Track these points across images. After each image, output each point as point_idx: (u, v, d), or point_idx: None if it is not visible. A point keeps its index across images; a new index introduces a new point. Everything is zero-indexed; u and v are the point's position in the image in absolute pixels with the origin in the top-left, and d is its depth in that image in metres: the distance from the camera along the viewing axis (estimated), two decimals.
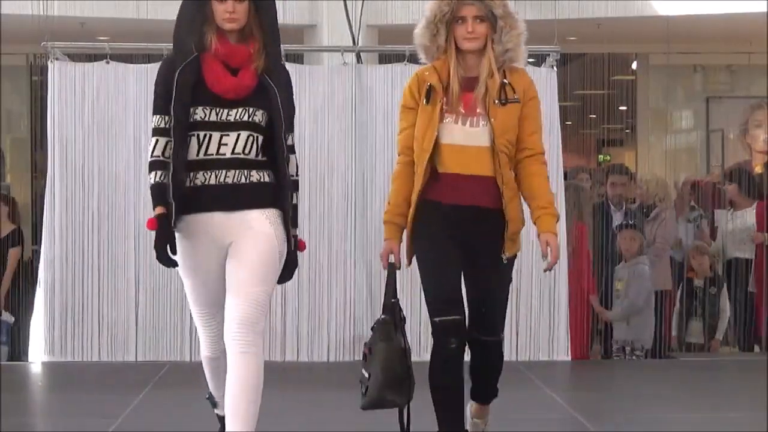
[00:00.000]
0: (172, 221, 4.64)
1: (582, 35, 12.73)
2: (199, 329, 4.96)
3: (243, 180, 4.70)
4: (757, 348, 10.63)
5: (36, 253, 9.92)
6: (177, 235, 4.71)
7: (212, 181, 4.69)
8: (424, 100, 4.94)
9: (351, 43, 10.11)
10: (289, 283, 9.32)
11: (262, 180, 4.74)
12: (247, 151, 4.70)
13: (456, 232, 4.91)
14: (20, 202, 11.42)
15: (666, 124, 14.17)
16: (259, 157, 4.74)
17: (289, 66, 9.64)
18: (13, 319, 10.20)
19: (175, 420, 6.49)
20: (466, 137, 4.89)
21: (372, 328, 5.15)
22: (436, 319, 4.90)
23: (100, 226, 9.13)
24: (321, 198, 9.36)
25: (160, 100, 4.67)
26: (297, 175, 4.93)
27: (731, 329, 10.61)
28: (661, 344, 9.76)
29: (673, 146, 14.20)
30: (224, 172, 4.69)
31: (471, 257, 4.94)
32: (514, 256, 5.00)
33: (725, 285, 10.48)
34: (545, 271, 5.01)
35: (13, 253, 10.39)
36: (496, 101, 4.88)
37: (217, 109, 4.67)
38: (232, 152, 4.68)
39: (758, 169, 12.27)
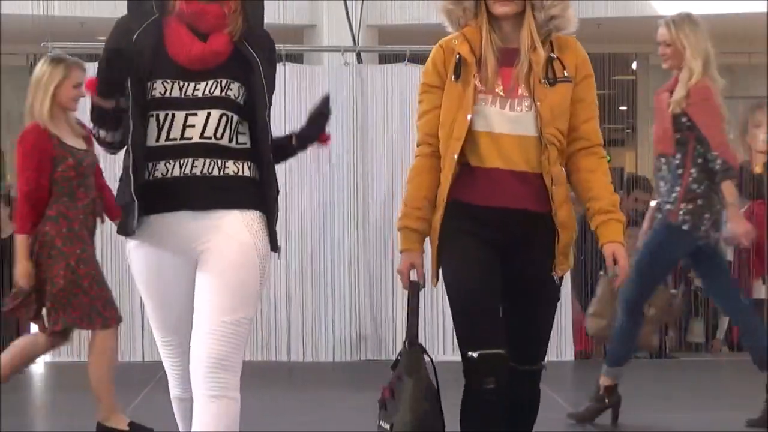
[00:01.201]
0: (133, 225, 3.66)
1: (582, 35, 12.74)
2: (164, 362, 3.89)
3: (215, 171, 3.66)
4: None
5: None
6: (133, 243, 3.74)
7: (176, 172, 3.65)
8: (453, 76, 3.90)
9: (351, 43, 10.11)
10: (293, 283, 9.48)
11: (240, 173, 3.70)
12: (219, 134, 3.66)
13: (494, 241, 3.90)
14: None
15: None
16: (235, 144, 3.71)
17: (289, 66, 9.73)
18: None
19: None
20: (507, 124, 3.86)
21: (393, 366, 4.13)
22: (471, 354, 3.88)
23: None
24: (322, 198, 9.36)
25: (110, 73, 3.61)
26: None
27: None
28: (661, 345, 9.77)
29: None
30: (191, 160, 3.65)
31: (513, 273, 3.93)
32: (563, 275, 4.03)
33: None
34: (616, 288, 4.27)
35: None
36: (543, 80, 3.86)
37: (181, 83, 3.65)
38: (201, 136, 3.64)
39: (758, 169, 12.27)
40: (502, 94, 3.87)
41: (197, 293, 3.66)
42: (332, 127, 10.03)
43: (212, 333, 3.58)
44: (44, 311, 6.01)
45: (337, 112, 9.33)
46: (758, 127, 13.48)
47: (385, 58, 10.67)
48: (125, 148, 3.68)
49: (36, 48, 9.89)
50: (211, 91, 3.66)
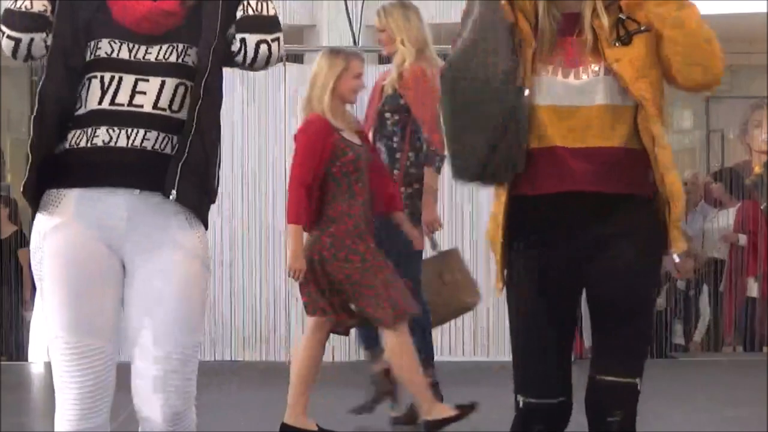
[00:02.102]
0: (33, 197, 3.15)
1: None
2: (60, 380, 3.19)
3: (168, 149, 3.12)
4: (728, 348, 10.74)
5: None
6: (51, 223, 3.14)
7: (121, 143, 3.10)
8: None
9: (351, 43, 10.10)
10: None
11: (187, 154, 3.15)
12: (176, 106, 3.15)
13: (569, 245, 3.26)
14: (20, 203, 11.43)
15: (666, 124, 14.18)
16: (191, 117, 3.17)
17: (289, 66, 9.72)
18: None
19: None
20: (575, 94, 3.26)
21: None
22: (521, 399, 3.32)
23: None
24: None
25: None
26: None
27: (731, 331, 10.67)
28: (661, 344, 9.80)
29: (673, 146, 14.19)
30: (141, 132, 3.12)
31: (598, 274, 3.29)
32: (658, 274, 3.50)
33: (705, 287, 10.56)
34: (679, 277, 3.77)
35: (23, 255, 10.42)
36: (614, 42, 3.26)
37: (131, 45, 3.17)
38: (155, 106, 3.13)
39: (757, 169, 12.29)
40: (564, 61, 3.30)
41: (134, 313, 3.12)
42: None
43: (161, 370, 3.08)
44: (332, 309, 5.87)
45: None
46: (758, 127, 13.51)
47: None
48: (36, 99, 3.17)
49: None
50: (166, 57, 3.18)
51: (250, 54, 3.22)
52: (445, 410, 5.80)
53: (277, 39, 3.23)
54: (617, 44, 3.25)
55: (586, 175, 3.22)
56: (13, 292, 10.43)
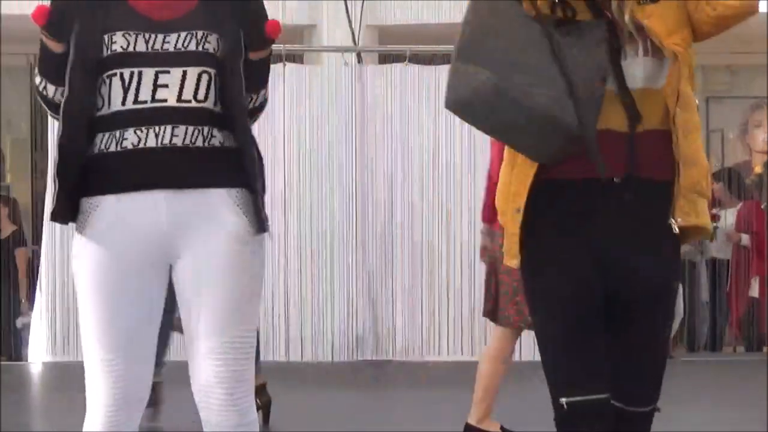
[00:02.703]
0: (64, 213, 3.04)
1: None
2: (96, 388, 3.04)
3: (200, 142, 3.00)
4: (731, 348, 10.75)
5: (36, 253, 9.94)
6: (85, 237, 3.03)
7: (151, 142, 2.99)
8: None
9: (351, 43, 10.11)
10: (291, 283, 9.50)
11: (226, 143, 3.05)
12: (201, 95, 3.01)
13: (595, 237, 3.00)
14: (20, 203, 11.44)
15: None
16: (220, 107, 3.04)
17: (289, 66, 9.74)
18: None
19: (176, 420, 6.49)
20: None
21: None
22: (564, 400, 2.99)
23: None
24: (321, 198, 9.36)
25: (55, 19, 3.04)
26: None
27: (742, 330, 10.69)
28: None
29: None
30: (169, 129, 2.99)
31: (620, 280, 3.02)
32: (678, 279, 3.17)
33: (680, 286, 10.60)
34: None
35: (21, 254, 10.43)
36: (642, 1, 3.02)
37: (147, 35, 3.02)
38: (179, 98, 3.00)
39: (758, 170, 12.29)
40: None
41: (189, 304, 3.03)
42: (332, 127, 10.11)
43: (216, 354, 3.00)
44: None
45: (336, 112, 9.39)
46: (758, 127, 13.51)
47: (385, 58, 10.67)
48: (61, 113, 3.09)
49: (36, 48, 9.86)
50: (185, 45, 3.02)
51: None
52: (493, 427, 5.72)
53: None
54: (645, 3, 2.99)
55: (620, 158, 2.96)
56: (13, 291, 10.43)
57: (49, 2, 3.02)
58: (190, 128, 2.99)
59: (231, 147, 3.03)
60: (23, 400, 7.82)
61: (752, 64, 12.63)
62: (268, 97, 3.21)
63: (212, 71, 3.02)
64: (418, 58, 9.81)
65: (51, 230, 9.11)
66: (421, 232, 9.30)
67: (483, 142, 9.31)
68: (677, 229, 2.96)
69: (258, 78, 3.11)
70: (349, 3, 10.30)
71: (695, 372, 9.08)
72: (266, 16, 3.09)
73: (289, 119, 8.95)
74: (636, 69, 3.00)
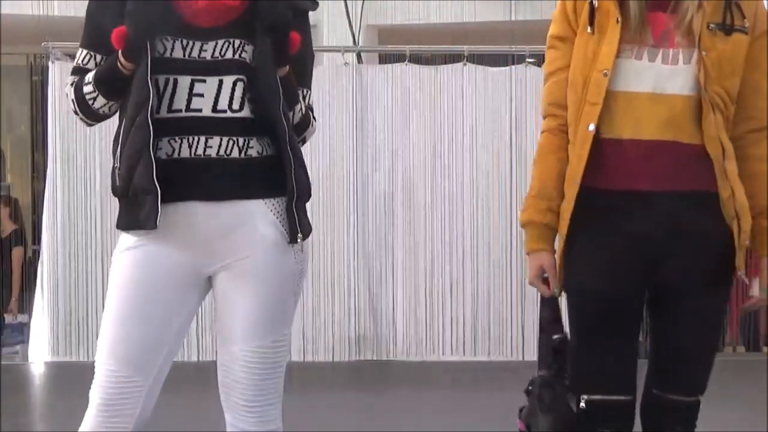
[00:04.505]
0: (156, 216, 2.91)
1: None
2: (92, 388, 3.06)
3: (235, 153, 2.95)
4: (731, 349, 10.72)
5: (37, 253, 9.94)
6: (132, 240, 2.99)
7: (184, 153, 2.93)
8: (588, 27, 3.00)
9: (351, 43, 10.11)
10: None
11: (264, 152, 3.01)
12: (236, 105, 2.96)
13: (642, 236, 2.97)
14: (21, 202, 11.44)
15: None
16: (257, 116, 3.00)
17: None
18: (27, 318, 10.26)
19: (176, 420, 6.49)
20: (657, 79, 2.95)
21: (527, 391, 3.15)
22: (585, 397, 3.03)
23: (102, 225, 9.14)
24: (322, 198, 9.36)
25: (91, 29, 3.02)
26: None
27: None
28: None
29: None
30: (203, 139, 2.93)
31: (669, 278, 3.02)
32: (732, 279, 3.16)
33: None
34: (745, 311, 3.42)
35: (17, 253, 10.43)
36: (713, 26, 2.95)
37: (184, 41, 2.96)
38: (214, 108, 2.94)
39: None
40: (652, 42, 2.97)
41: (224, 311, 3.01)
42: (332, 127, 10.09)
43: (246, 360, 3.00)
44: None
45: (336, 112, 9.40)
46: None
47: (385, 58, 10.67)
48: (123, 121, 2.98)
49: (36, 48, 9.90)
50: (222, 54, 2.96)
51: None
52: None
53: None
54: (714, 28, 2.96)
55: (665, 171, 2.95)
56: (7, 288, 10.44)
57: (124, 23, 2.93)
58: (225, 139, 2.94)
59: (269, 155, 2.99)
60: (24, 400, 7.82)
61: None
62: (309, 116, 3.15)
63: (247, 79, 2.96)
64: (418, 58, 9.81)
65: (51, 230, 9.11)
66: (422, 231, 9.30)
67: (483, 142, 9.32)
68: (747, 281, 3.08)
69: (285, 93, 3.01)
70: (349, 3, 10.31)
71: None
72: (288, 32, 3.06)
73: None
74: (688, 73, 2.96)
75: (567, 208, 3.02)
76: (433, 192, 9.36)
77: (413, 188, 9.39)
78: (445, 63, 9.65)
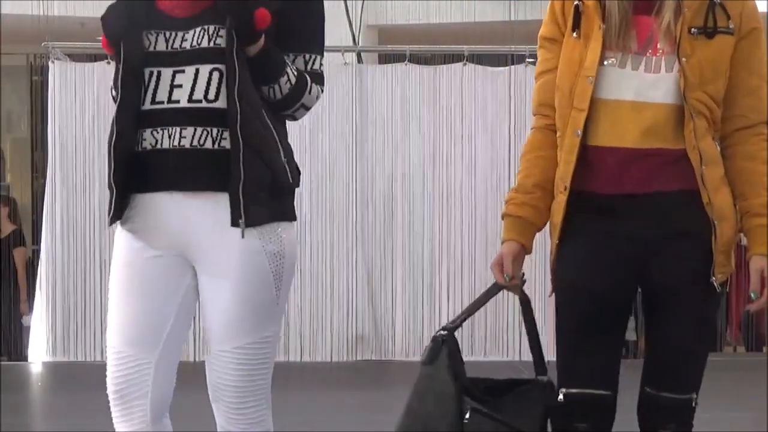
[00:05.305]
0: (117, 211, 3.00)
1: None
2: (109, 386, 3.06)
3: (209, 144, 2.92)
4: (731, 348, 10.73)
5: (36, 253, 9.95)
6: (121, 232, 3.05)
7: (165, 144, 2.94)
8: (573, 32, 3.00)
9: (351, 43, 10.12)
10: (292, 283, 9.45)
11: None
12: (212, 95, 2.93)
13: (631, 237, 2.99)
14: (20, 202, 11.44)
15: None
16: (232, 105, 2.94)
17: None
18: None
19: (175, 420, 6.49)
20: (640, 88, 2.95)
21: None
22: (564, 390, 3.03)
23: (101, 225, 9.15)
24: (321, 198, 9.36)
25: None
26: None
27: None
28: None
29: None
30: (179, 130, 2.93)
31: (658, 278, 3.02)
32: (727, 280, 3.06)
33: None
34: (751, 311, 3.40)
35: (19, 254, 10.43)
36: (694, 30, 2.94)
37: (167, 33, 2.97)
38: (190, 98, 2.93)
39: None
40: (636, 49, 2.97)
41: (204, 307, 3.00)
42: (332, 127, 10.09)
43: (228, 360, 2.98)
44: None
45: (336, 112, 9.40)
46: None
47: (385, 58, 10.67)
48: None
49: (36, 48, 9.90)
50: (199, 42, 2.95)
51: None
52: None
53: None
54: (696, 32, 2.95)
55: (647, 176, 2.95)
56: (13, 290, 10.44)
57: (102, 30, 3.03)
58: (199, 129, 2.92)
59: (256, 173, 2.93)
60: (23, 400, 7.82)
61: None
62: (303, 83, 3.06)
63: (223, 67, 2.92)
64: (418, 58, 9.81)
65: (51, 230, 9.12)
66: (422, 231, 9.30)
67: (483, 142, 9.33)
68: (719, 288, 2.98)
69: (257, 72, 2.96)
70: (349, 3, 10.31)
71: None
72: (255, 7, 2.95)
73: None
74: (669, 81, 2.95)
75: (557, 212, 3.03)
76: (433, 192, 9.36)
77: (413, 188, 9.39)
78: (445, 63, 9.65)
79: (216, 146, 2.92)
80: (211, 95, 2.93)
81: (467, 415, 2.97)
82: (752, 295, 3.01)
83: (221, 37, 2.92)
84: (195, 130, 2.92)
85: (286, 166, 2.99)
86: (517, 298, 3.16)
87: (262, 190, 2.94)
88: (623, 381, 3.10)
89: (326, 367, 9.13)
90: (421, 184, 9.38)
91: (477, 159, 9.25)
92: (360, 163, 9.37)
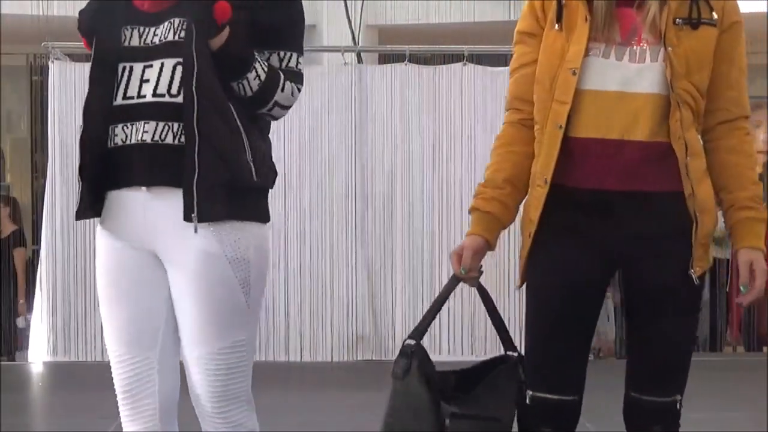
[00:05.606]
0: (89, 207, 3.01)
1: None
2: (116, 388, 3.09)
3: (169, 138, 2.89)
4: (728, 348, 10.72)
5: (36, 253, 9.94)
6: (99, 231, 3.06)
7: (133, 139, 2.92)
8: (555, 24, 2.98)
9: (351, 43, 10.12)
10: (291, 283, 9.50)
11: None
12: (174, 89, 2.90)
13: (607, 239, 2.96)
14: (20, 202, 11.44)
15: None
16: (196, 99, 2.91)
17: None
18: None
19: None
20: (626, 79, 2.93)
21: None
22: (529, 393, 3.05)
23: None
24: (321, 198, 9.36)
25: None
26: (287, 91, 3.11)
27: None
28: None
29: None
30: (142, 124, 2.91)
31: (636, 278, 3.01)
32: (705, 274, 3.03)
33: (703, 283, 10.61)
34: (743, 305, 3.29)
35: (19, 255, 10.43)
36: (679, 21, 2.95)
37: (141, 28, 2.97)
38: (154, 93, 2.91)
39: (758, 169, 12.29)
40: (619, 40, 2.95)
41: (176, 309, 2.99)
42: (332, 127, 10.08)
43: (203, 365, 2.96)
44: None
45: (336, 112, 9.39)
46: (758, 127, 13.50)
47: (385, 58, 10.67)
48: None
49: (36, 48, 9.89)
50: (166, 36, 2.93)
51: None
52: None
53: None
54: (681, 23, 2.95)
55: (629, 171, 2.93)
56: (13, 291, 10.44)
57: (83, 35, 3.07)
58: (160, 124, 2.90)
59: (212, 166, 2.90)
60: (23, 400, 7.81)
61: (752, 64, 12.60)
62: (276, 80, 3.03)
63: None
64: (418, 58, 9.81)
65: (51, 230, 9.11)
66: (422, 232, 9.30)
67: (483, 141, 9.32)
68: (698, 281, 2.97)
69: (223, 67, 2.92)
70: (349, 3, 10.31)
71: (695, 372, 9.06)
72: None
73: (289, 119, 8.95)
74: (653, 71, 2.94)
75: (535, 206, 2.99)
76: (433, 191, 9.36)
77: (413, 188, 9.39)
78: (445, 63, 9.64)
79: (177, 141, 2.89)
80: (174, 89, 2.91)
81: (447, 422, 2.96)
82: (742, 288, 2.98)
83: (185, 30, 2.90)
84: (157, 124, 2.90)
85: (252, 165, 2.97)
86: (517, 298, 3.18)
87: (219, 187, 2.89)
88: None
89: (326, 367, 9.12)
90: (421, 183, 9.37)
91: (477, 159, 9.23)
92: (360, 163, 9.37)
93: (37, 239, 10.16)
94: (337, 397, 7.48)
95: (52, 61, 9.18)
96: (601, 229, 2.96)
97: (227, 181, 2.90)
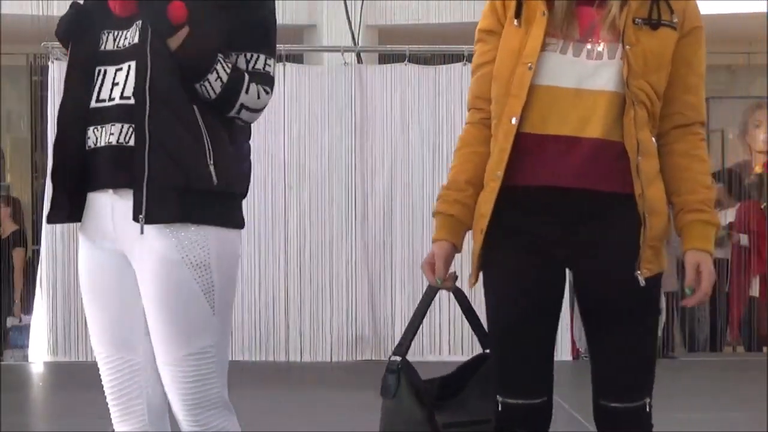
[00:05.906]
0: (62, 210, 3.01)
1: None
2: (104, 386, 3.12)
3: (132, 140, 2.89)
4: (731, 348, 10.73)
5: (36, 253, 9.94)
6: (79, 232, 3.07)
7: (102, 142, 2.94)
8: (514, 20, 2.96)
9: (351, 43, 10.12)
10: (291, 283, 9.51)
11: None
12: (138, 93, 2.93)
13: (556, 242, 2.95)
14: (22, 201, 11.44)
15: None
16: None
17: (289, 66, 9.73)
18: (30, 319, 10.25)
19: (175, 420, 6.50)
20: (581, 75, 2.91)
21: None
22: (500, 399, 3.04)
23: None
24: (321, 198, 9.36)
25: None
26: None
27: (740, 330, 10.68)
28: (664, 344, 9.80)
29: None
30: (108, 126, 2.93)
31: (587, 281, 3.00)
32: (658, 276, 2.99)
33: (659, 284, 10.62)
34: (687, 306, 3.31)
35: (18, 255, 10.43)
36: (639, 20, 2.93)
37: (115, 32, 2.99)
38: (122, 95, 2.93)
39: (758, 169, 12.29)
40: (578, 36, 2.92)
41: (145, 313, 2.96)
42: (332, 127, 10.09)
43: (170, 369, 2.93)
44: None
45: (336, 112, 9.39)
46: (758, 127, 13.51)
47: (385, 58, 10.68)
48: None
49: (36, 48, 9.90)
50: (132, 38, 2.94)
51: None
52: None
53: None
54: (640, 23, 2.92)
55: (580, 170, 2.89)
56: (13, 291, 10.44)
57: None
58: (125, 126, 2.89)
59: (164, 167, 2.86)
60: (23, 400, 7.81)
61: (752, 64, 12.62)
62: (240, 82, 2.96)
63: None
64: (417, 58, 9.81)
65: (51, 230, 9.11)
66: (421, 232, 9.30)
67: None
68: (643, 282, 2.91)
69: (184, 68, 2.90)
70: (349, 3, 10.31)
71: (695, 372, 9.08)
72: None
73: (289, 119, 8.95)
74: (611, 69, 2.91)
75: (487, 201, 2.97)
76: (432, 191, 9.35)
77: (412, 188, 9.39)
78: (445, 63, 9.64)
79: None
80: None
81: None
82: (687, 290, 2.96)
83: (140, 31, 2.91)
84: (122, 126, 2.90)
85: (212, 170, 2.89)
86: None
87: (171, 190, 2.86)
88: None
89: (326, 367, 9.13)
90: (421, 183, 9.38)
91: None
92: (359, 163, 9.37)
93: (37, 239, 10.16)
94: (337, 397, 7.48)
95: (52, 61, 9.19)
96: (550, 233, 2.93)
97: (182, 183, 2.86)
